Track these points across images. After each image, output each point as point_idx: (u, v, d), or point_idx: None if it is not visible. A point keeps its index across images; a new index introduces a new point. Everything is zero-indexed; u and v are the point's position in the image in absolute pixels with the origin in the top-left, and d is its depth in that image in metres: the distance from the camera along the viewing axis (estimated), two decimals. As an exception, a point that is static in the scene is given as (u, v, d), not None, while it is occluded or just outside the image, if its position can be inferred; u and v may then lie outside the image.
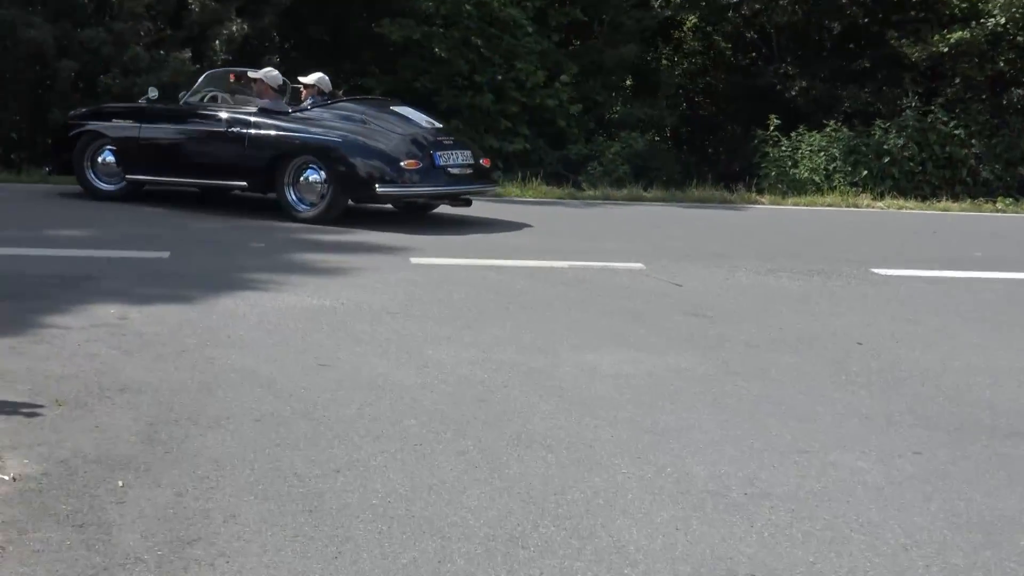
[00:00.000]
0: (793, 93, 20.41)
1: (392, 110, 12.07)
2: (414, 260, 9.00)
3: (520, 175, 15.98)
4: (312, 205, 11.33)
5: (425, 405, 5.09)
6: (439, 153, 11.34)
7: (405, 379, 5.49)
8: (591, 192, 15.79)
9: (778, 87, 20.65)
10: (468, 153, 11.77)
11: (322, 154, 11.20)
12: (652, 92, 21.28)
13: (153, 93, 12.16)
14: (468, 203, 11.95)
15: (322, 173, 11.26)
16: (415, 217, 11.90)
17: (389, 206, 11.81)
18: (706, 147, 23.47)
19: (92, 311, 6.62)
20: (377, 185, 11.00)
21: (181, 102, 12.22)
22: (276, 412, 4.87)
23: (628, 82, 21.64)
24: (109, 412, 4.76)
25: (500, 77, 17.90)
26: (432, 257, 9.18)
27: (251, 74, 12.43)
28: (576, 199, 15.21)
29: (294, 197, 11.40)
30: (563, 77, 18.43)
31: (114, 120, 12.33)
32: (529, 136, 18.20)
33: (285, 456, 4.35)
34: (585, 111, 19.01)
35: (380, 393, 5.24)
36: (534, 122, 18.44)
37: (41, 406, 4.78)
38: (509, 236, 10.75)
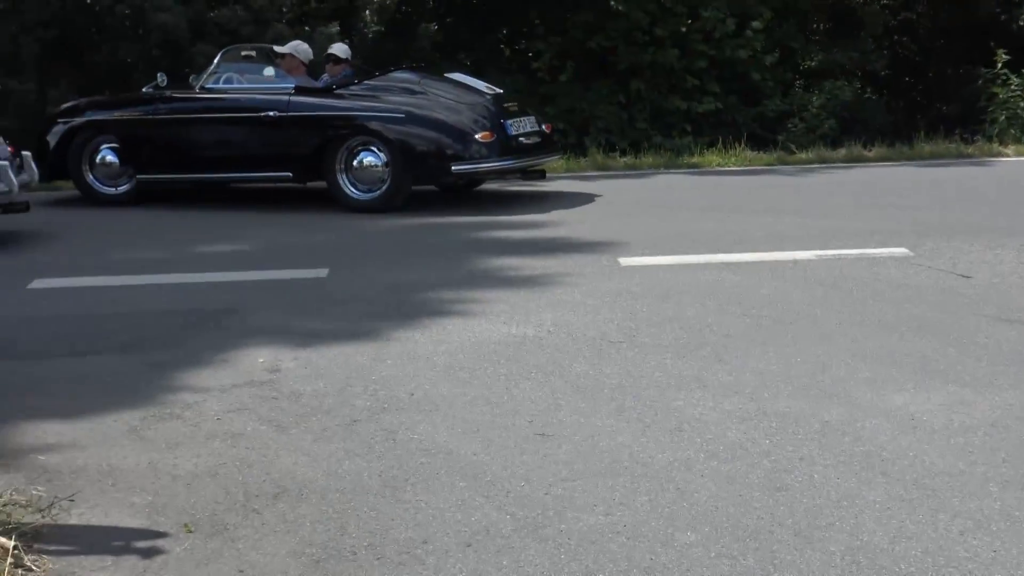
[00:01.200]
0: (1022, 23, 18.30)
1: (447, 77, 11.05)
2: (624, 261, 7.60)
3: (719, 140, 14.41)
4: (370, 191, 10.35)
5: (700, 503, 3.68)
6: (509, 122, 10.39)
7: (657, 454, 4.10)
8: (803, 155, 14.10)
9: (1003, 17, 18.55)
10: (533, 119, 10.86)
11: (381, 133, 10.18)
12: (851, 33, 19.36)
13: (162, 79, 11.06)
14: (543, 175, 11.02)
15: (382, 154, 10.27)
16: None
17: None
18: (912, 92, 21.44)
19: (235, 362, 5.41)
20: (452, 164, 10.06)
21: (196, 87, 11.04)
22: (492, 526, 3.54)
23: (823, 25, 19.79)
24: (258, 539, 3.49)
25: (684, 29, 16.31)
26: (643, 256, 7.77)
27: (278, 49, 11.38)
28: (787, 164, 13.56)
29: (348, 184, 10.39)
30: (755, 24, 16.73)
31: (116, 112, 11.27)
32: (719, 94, 16.58)
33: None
34: (780, 61, 17.28)
35: (629, 481, 3.85)
36: (724, 77, 16.80)
37: (163, 535, 3.54)
38: (723, 220, 9.24)
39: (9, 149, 9.44)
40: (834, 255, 7.55)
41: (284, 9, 14.60)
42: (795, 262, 7.37)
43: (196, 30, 14.33)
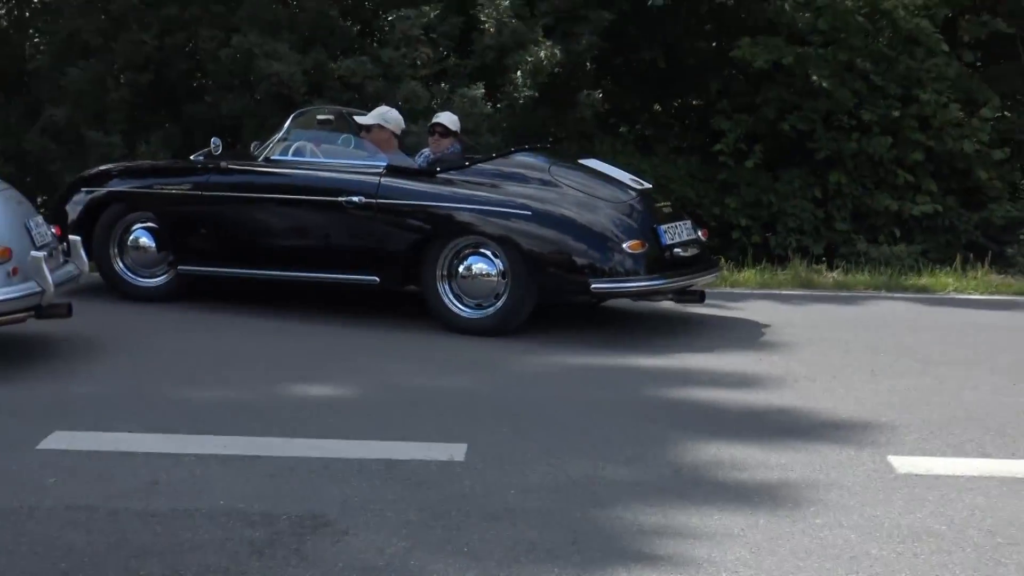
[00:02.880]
0: None
1: (583, 165, 9.09)
2: (897, 462, 5.47)
3: (959, 261, 12.19)
4: (479, 308, 8.52)
5: None
6: (663, 227, 8.55)
7: None
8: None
9: None
10: (689, 225, 8.97)
11: (499, 233, 8.39)
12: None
13: (216, 145, 9.29)
14: (702, 298, 8.91)
15: (497, 261, 8.46)
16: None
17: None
18: None
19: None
20: (591, 279, 8.16)
21: (260, 158, 9.27)
22: None
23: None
24: None
25: (897, 114, 14.09)
26: (924, 454, 5.70)
27: (361, 120, 9.49)
28: (1042, 293, 11.24)
29: (452, 297, 8.56)
30: (984, 112, 14.45)
31: (156, 183, 9.49)
32: (936, 193, 14.30)
33: None
34: (1009, 157, 14.95)
35: None
36: (941, 174, 14.53)
37: None
38: (1011, 389, 7.01)
39: (54, 231, 7.63)
40: None
41: (418, 63, 12.73)
42: None
43: (314, 83, 12.69)
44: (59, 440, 5.64)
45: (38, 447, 5.53)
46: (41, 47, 14.02)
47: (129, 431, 5.82)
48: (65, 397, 6.39)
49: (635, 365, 7.55)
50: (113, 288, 9.39)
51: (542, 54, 12.59)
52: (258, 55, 12.44)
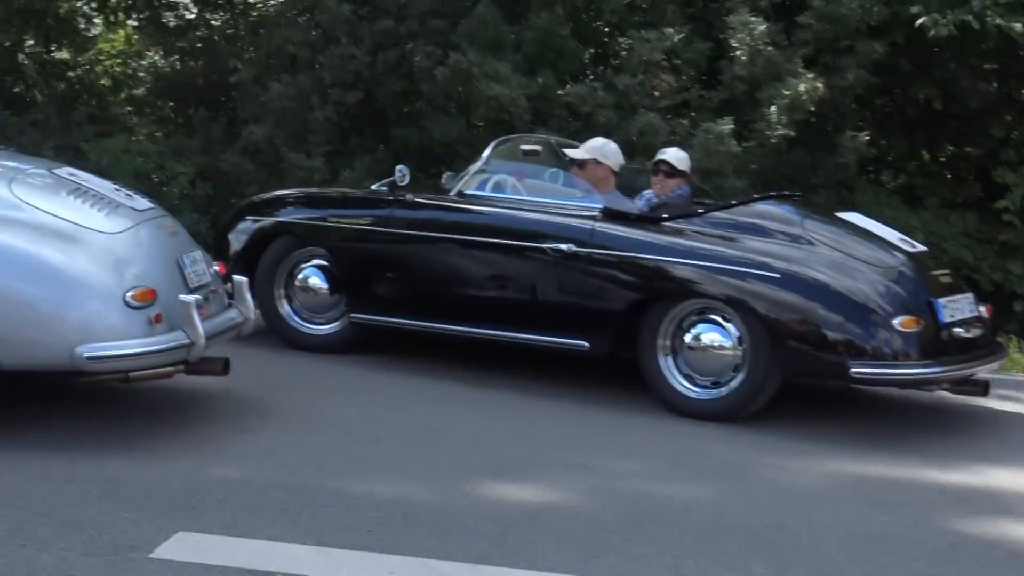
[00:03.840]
0: None
1: (840, 218, 7.79)
2: None
3: None
4: (714, 386, 7.23)
5: None
6: (942, 302, 7.16)
7: None
8: None
9: None
10: (971, 298, 7.56)
11: (736, 296, 7.10)
12: None
13: (402, 174, 8.20)
14: (986, 390, 7.38)
15: (733, 330, 7.17)
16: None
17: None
18: None
19: None
20: (850, 361, 6.76)
21: (452, 191, 8.22)
22: None
23: None
24: None
25: None
26: None
27: (573, 153, 8.33)
28: None
29: (676, 372, 7.29)
30: None
31: (332, 215, 8.54)
32: None
33: None
34: None
35: None
36: None
37: None
38: None
39: (217, 269, 6.54)
40: None
41: (657, 93, 11.44)
42: None
43: (538, 109, 11.56)
44: (182, 545, 4.56)
45: (153, 554, 4.41)
46: (246, 60, 13.24)
47: (270, 538, 4.64)
48: (200, 482, 5.29)
49: (922, 479, 6.13)
50: (276, 334, 8.38)
51: (801, 87, 11.12)
52: (477, 76, 11.38)
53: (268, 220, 8.62)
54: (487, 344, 7.95)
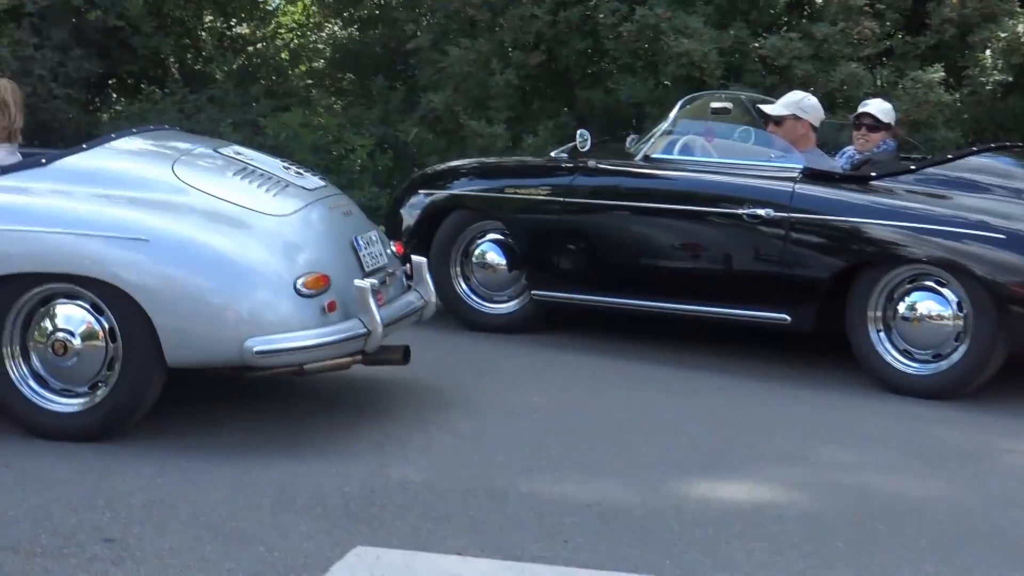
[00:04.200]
0: None
1: None
2: None
3: None
4: (935, 359, 6.73)
5: None
6: None
7: None
8: None
9: None
10: None
11: (955, 262, 6.61)
12: None
13: (583, 138, 7.88)
14: None
15: (952, 297, 6.67)
16: None
17: None
18: None
19: None
20: None
21: (638, 156, 7.76)
22: None
23: None
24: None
25: None
26: None
27: (769, 109, 7.77)
28: None
29: (891, 346, 6.80)
30: None
31: (508, 185, 8.17)
32: None
33: None
34: None
35: None
36: None
37: None
38: None
39: (394, 248, 6.16)
40: None
41: (859, 42, 10.72)
42: None
43: (731, 64, 10.98)
44: (360, 562, 4.15)
45: (328, 573, 3.99)
46: (424, 26, 12.91)
47: (456, 551, 4.21)
48: (379, 487, 4.91)
49: None
50: (453, 314, 8.00)
51: (1020, 28, 10.35)
52: (666, 31, 10.82)
53: (441, 193, 8.31)
54: (679, 320, 7.51)
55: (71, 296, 5.33)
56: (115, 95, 13.82)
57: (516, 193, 8.05)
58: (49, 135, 11.81)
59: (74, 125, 12.33)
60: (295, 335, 5.22)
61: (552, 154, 8.62)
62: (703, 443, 5.65)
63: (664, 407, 6.30)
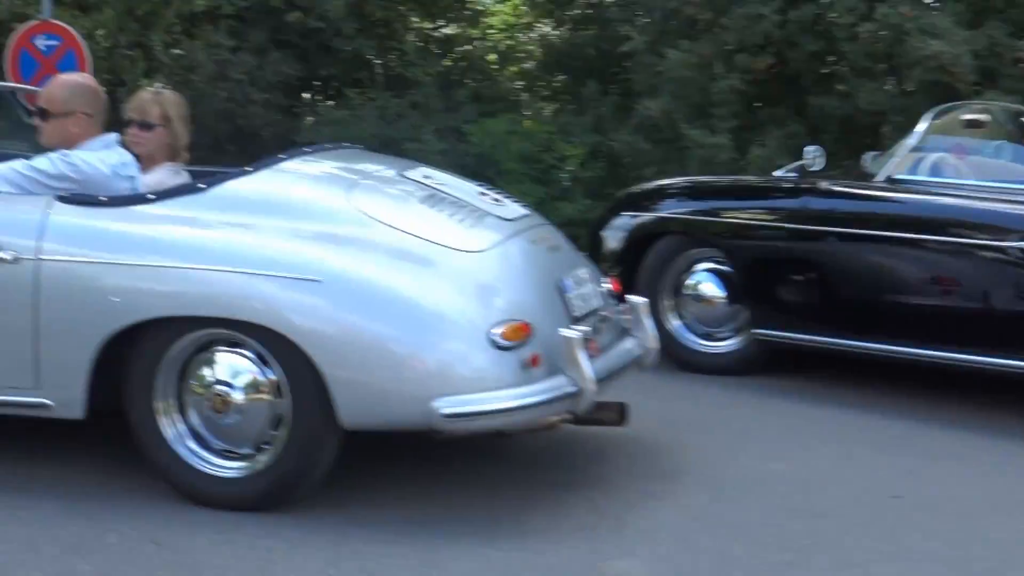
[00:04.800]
0: None
1: None
2: None
3: None
4: None
5: None
6: None
7: None
8: None
9: None
10: None
11: None
12: None
13: (815, 154, 7.19)
14: None
15: None
16: None
17: None
18: None
19: None
20: None
21: (878, 176, 6.92)
22: None
23: None
24: None
25: None
26: None
27: None
28: None
29: None
30: None
31: (724, 209, 7.47)
32: None
33: None
34: None
35: None
36: None
37: None
38: None
39: (611, 285, 5.39)
40: None
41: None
42: None
43: (987, 68, 10.29)
44: None
45: None
46: (639, 27, 12.56)
47: None
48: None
49: None
50: (664, 352, 7.16)
51: None
52: (911, 32, 10.20)
53: (649, 216, 7.65)
54: (927, 367, 6.62)
55: (231, 343, 4.73)
56: (316, 99, 13.69)
57: (736, 217, 7.41)
58: (247, 141, 11.71)
59: (272, 130, 12.20)
60: (490, 396, 4.51)
61: (776, 173, 7.92)
62: (989, 534, 4.66)
63: (934, 483, 5.31)
